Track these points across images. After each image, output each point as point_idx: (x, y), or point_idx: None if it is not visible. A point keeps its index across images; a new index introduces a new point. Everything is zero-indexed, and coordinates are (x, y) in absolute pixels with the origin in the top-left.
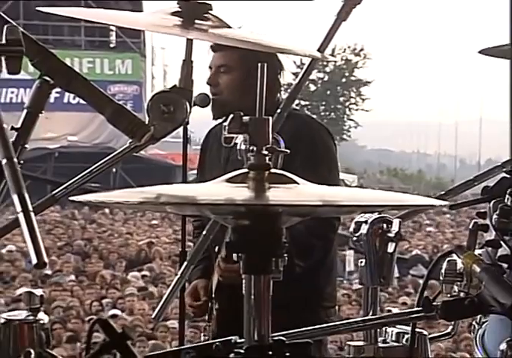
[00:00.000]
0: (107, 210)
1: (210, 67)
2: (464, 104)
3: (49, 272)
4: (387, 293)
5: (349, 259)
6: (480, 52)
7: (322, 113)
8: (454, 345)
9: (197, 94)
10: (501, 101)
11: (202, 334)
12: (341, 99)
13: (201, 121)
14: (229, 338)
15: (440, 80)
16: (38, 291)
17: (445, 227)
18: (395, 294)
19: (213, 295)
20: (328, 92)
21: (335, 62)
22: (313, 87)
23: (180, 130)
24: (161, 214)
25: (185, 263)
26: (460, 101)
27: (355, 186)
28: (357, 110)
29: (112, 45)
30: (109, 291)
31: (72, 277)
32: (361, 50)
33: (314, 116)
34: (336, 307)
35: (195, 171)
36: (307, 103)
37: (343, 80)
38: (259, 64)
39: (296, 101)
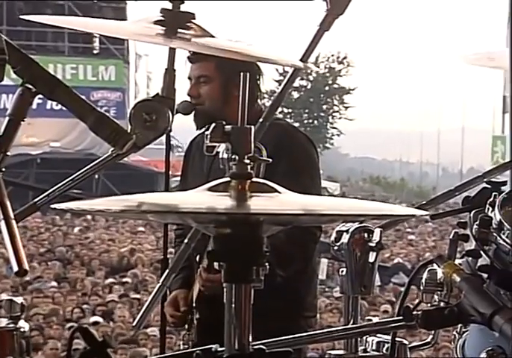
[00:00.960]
0: (89, 217)
1: (189, 78)
2: (446, 113)
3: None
4: (367, 302)
5: (323, 268)
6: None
7: (305, 121)
8: (435, 353)
9: (180, 102)
10: (483, 109)
11: (181, 343)
12: (324, 107)
13: (185, 128)
14: (209, 346)
15: (422, 89)
16: (18, 299)
17: (427, 235)
18: (377, 303)
19: (194, 305)
20: (311, 100)
21: (318, 70)
22: (296, 95)
23: (164, 137)
24: (143, 221)
25: (166, 271)
26: (443, 110)
27: (338, 194)
28: (340, 118)
29: (95, 52)
30: (91, 298)
31: (54, 283)
32: (344, 58)
33: (297, 124)
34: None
35: (177, 178)
36: (290, 110)
37: (326, 88)
38: (241, 73)
39: (279, 109)
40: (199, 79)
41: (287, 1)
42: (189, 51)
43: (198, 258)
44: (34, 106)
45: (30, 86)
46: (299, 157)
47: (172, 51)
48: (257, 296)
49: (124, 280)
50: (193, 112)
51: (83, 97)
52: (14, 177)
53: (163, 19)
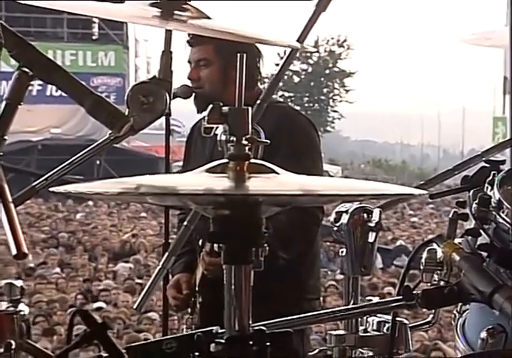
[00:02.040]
0: (90, 203)
1: (189, 62)
2: (447, 95)
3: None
4: (371, 284)
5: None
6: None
7: (306, 105)
8: (439, 335)
9: (179, 86)
10: (483, 90)
11: (184, 326)
12: (325, 90)
13: (185, 113)
14: (210, 328)
15: (422, 71)
16: (18, 283)
17: (429, 217)
18: (380, 285)
19: (197, 288)
20: (312, 84)
21: (318, 53)
22: (296, 79)
23: (164, 121)
24: (145, 206)
25: (166, 254)
26: (443, 92)
27: (339, 177)
28: (340, 101)
29: (95, 37)
30: (93, 284)
31: (57, 269)
32: (344, 41)
33: (298, 108)
34: (321, 299)
35: (179, 163)
36: (291, 94)
37: (327, 71)
38: (238, 54)
39: (280, 93)
40: (199, 62)
41: None
42: (189, 35)
43: (200, 242)
44: (34, 92)
45: (27, 70)
46: (301, 140)
47: (169, 33)
48: (259, 279)
49: (127, 265)
50: (193, 96)
51: (83, 82)
52: (15, 164)
53: (158, 1)
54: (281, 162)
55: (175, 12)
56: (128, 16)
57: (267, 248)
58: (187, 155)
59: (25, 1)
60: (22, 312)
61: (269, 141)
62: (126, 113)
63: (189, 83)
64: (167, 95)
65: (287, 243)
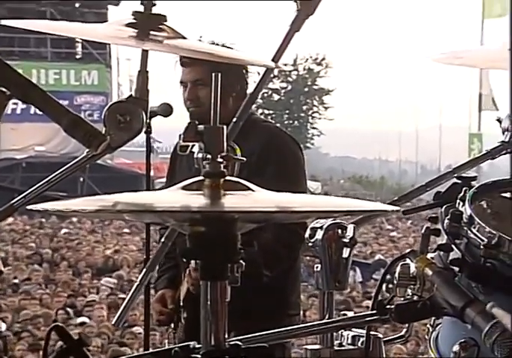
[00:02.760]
0: (74, 219)
1: (181, 82)
2: (424, 112)
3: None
4: (350, 298)
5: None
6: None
7: (286, 122)
8: (417, 348)
9: (159, 104)
10: (459, 108)
11: (167, 341)
12: (304, 108)
13: (168, 131)
14: (187, 343)
15: (399, 89)
16: None
17: (407, 231)
18: (359, 299)
19: (182, 304)
20: (291, 101)
21: (297, 71)
22: (276, 97)
23: (143, 139)
24: (128, 223)
25: (144, 270)
26: (420, 109)
27: (319, 193)
28: (319, 118)
29: (78, 57)
30: (78, 299)
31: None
32: (323, 59)
33: (277, 125)
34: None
35: (162, 180)
36: (270, 112)
37: (306, 89)
38: (212, 74)
39: (260, 110)
40: (196, 82)
41: (259, 1)
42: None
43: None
44: (18, 111)
45: (5, 90)
46: (288, 159)
47: (145, 53)
48: (243, 295)
49: (111, 280)
50: (190, 115)
51: (66, 102)
52: (0, 181)
53: (135, 21)
54: (268, 180)
55: (151, 32)
56: (105, 37)
57: (253, 266)
58: (171, 172)
59: (7, 21)
60: None
61: (256, 159)
62: (103, 132)
63: (164, 100)
64: (143, 113)
65: (272, 261)
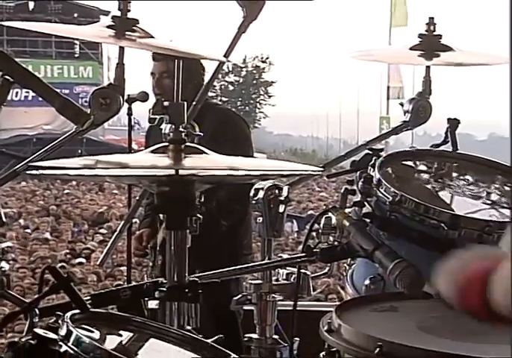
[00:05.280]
0: (74, 182)
1: (152, 73)
2: (345, 99)
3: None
4: (285, 244)
5: None
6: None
7: (239, 107)
8: (341, 281)
9: (138, 92)
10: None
11: (146, 276)
12: (253, 96)
13: (147, 114)
14: (156, 279)
15: (327, 80)
16: (2, 244)
17: (333, 192)
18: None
19: (158, 249)
20: (243, 91)
21: (247, 68)
22: (231, 87)
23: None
24: (117, 185)
25: (122, 222)
26: (342, 96)
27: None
28: (265, 104)
29: (76, 55)
30: (77, 244)
31: (47, 234)
32: (267, 58)
33: (233, 109)
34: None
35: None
36: (227, 99)
37: (254, 81)
38: (175, 60)
39: (219, 98)
40: (162, 74)
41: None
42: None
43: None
44: (30, 98)
45: (9, 78)
46: (238, 134)
47: (122, 50)
48: (207, 241)
49: (101, 230)
50: (155, 101)
51: (68, 91)
52: (16, 152)
53: (113, 24)
54: (222, 151)
55: (127, 32)
56: (90, 36)
57: (213, 218)
58: (146, 145)
59: (15, 23)
60: (2, 268)
61: (213, 134)
62: (88, 112)
63: (143, 88)
64: (121, 97)
65: (228, 213)
